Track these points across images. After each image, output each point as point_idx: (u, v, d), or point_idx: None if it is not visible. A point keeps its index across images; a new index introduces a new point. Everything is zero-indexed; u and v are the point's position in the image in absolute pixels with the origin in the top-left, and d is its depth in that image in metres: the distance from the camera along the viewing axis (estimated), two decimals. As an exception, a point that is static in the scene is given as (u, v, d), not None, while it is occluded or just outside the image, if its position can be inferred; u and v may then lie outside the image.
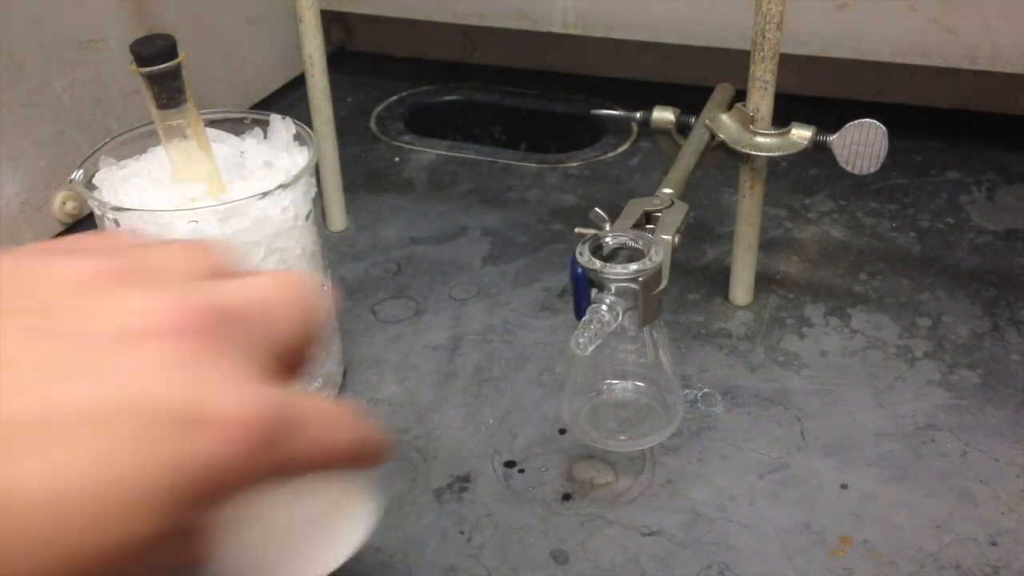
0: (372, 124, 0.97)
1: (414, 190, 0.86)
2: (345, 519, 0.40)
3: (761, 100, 0.61)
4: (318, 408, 0.28)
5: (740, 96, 0.64)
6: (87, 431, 0.23)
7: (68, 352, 0.24)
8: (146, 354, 0.24)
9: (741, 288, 0.69)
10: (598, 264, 0.49)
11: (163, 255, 0.29)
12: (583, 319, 0.48)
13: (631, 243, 0.51)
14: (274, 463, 0.26)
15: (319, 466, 0.28)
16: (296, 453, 0.26)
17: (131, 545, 0.24)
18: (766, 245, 0.74)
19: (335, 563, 0.39)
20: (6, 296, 0.25)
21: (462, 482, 0.56)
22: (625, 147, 0.92)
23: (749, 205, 0.66)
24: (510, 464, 0.57)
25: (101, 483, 0.23)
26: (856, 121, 0.59)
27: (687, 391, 0.62)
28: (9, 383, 0.23)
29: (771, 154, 0.62)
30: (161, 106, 0.60)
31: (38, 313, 0.25)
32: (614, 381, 0.58)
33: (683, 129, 0.66)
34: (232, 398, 0.25)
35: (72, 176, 0.62)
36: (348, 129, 0.94)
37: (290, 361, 0.29)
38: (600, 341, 0.48)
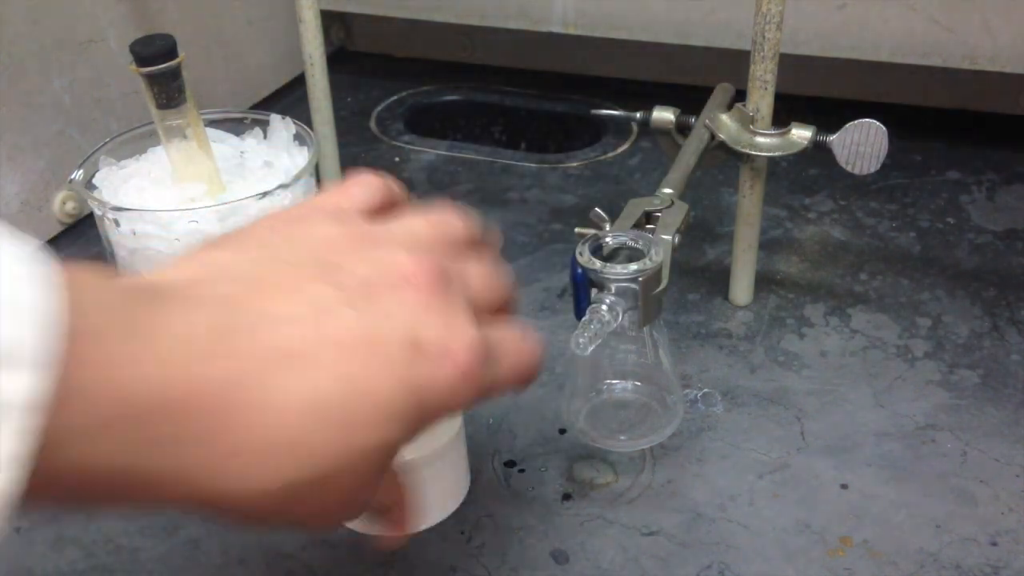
0: (372, 124, 0.97)
1: (414, 190, 0.86)
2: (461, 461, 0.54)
3: (761, 100, 0.61)
4: (510, 339, 0.35)
5: (740, 96, 0.64)
6: (349, 354, 0.29)
7: (336, 294, 0.30)
8: (400, 299, 0.31)
9: (741, 288, 0.69)
10: (598, 264, 0.49)
11: (410, 224, 0.35)
12: (583, 319, 0.48)
13: (631, 243, 0.51)
14: (481, 387, 0.32)
15: (509, 388, 0.35)
16: (496, 378, 0.33)
17: (375, 450, 0.29)
18: (766, 245, 0.74)
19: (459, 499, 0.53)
20: (286, 251, 0.32)
21: (462, 482, 0.56)
22: (625, 147, 0.92)
23: (749, 205, 0.66)
24: (510, 464, 0.57)
25: (357, 395, 0.28)
26: (856, 121, 0.59)
27: (687, 391, 0.62)
28: (288, 314, 0.29)
29: (771, 154, 0.62)
30: (161, 106, 0.60)
31: (313, 264, 0.31)
32: (614, 381, 0.58)
33: (683, 129, 0.66)
34: (461, 337, 0.31)
35: (72, 176, 0.62)
36: (348, 129, 0.94)
37: (490, 312, 0.36)
38: (600, 341, 0.48)
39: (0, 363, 0.22)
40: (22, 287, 0.23)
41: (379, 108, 1.00)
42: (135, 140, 0.66)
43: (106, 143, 0.64)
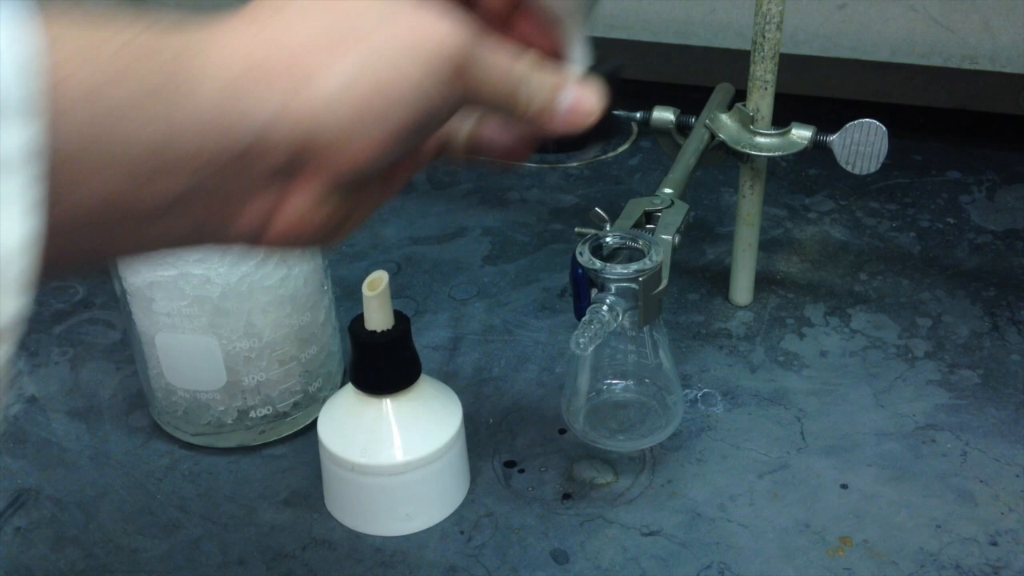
0: (372, 124, 0.97)
1: (414, 190, 0.86)
2: None
3: (761, 100, 0.61)
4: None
5: (740, 96, 0.64)
6: (379, 42, 0.29)
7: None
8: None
9: (741, 288, 0.69)
10: (598, 264, 0.49)
11: None
12: (583, 319, 0.48)
13: (631, 243, 0.51)
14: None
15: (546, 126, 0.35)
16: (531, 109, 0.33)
17: (431, 109, 0.30)
18: (766, 245, 0.74)
19: None
20: None
21: (462, 482, 0.56)
22: (625, 147, 0.92)
23: (749, 205, 0.66)
24: (510, 464, 0.57)
25: (397, 74, 0.29)
26: (856, 121, 0.59)
27: (687, 391, 0.62)
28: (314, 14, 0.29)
29: (771, 154, 0.62)
30: (161, 106, 0.60)
31: None
32: (614, 381, 0.58)
33: (683, 129, 0.66)
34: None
35: (72, 176, 0.62)
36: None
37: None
38: (600, 341, 0.48)
39: None
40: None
41: (379, 108, 1.00)
42: (135, 140, 0.65)
43: (106, 143, 0.64)
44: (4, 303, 0.23)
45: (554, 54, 0.38)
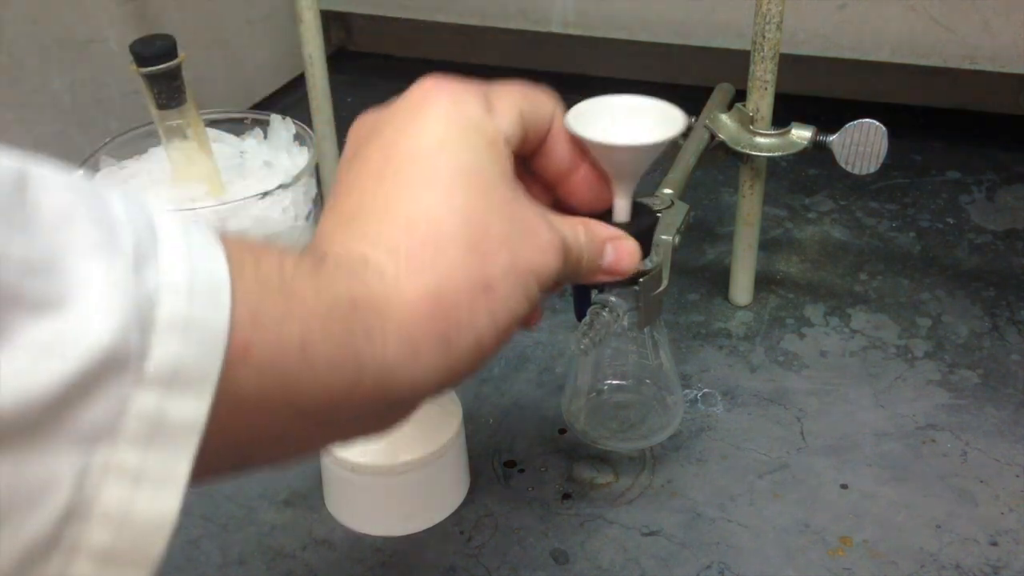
0: (372, 124, 0.97)
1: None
2: None
3: (761, 100, 0.61)
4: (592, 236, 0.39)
5: (740, 96, 0.64)
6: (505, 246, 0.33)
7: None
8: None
9: (741, 288, 0.69)
10: (598, 264, 0.49)
11: None
12: (583, 320, 0.48)
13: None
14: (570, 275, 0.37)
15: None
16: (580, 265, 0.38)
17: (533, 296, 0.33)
18: (766, 245, 0.74)
19: None
20: None
21: (462, 482, 0.56)
22: (625, 147, 0.91)
23: (749, 205, 0.66)
24: (510, 464, 0.57)
25: (514, 316, 0.33)
26: (856, 121, 0.59)
27: (687, 391, 0.62)
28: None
29: (771, 154, 0.62)
30: (161, 106, 0.60)
31: None
32: (614, 381, 0.58)
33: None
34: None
35: (72, 176, 0.62)
36: (348, 129, 0.94)
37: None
38: (601, 342, 0.48)
39: (170, 384, 0.23)
40: (199, 299, 0.24)
41: (379, 108, 1.00)
42: (135, 140, 0.66)
43: (106, 143, 0.64)
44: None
45: (596, 204, 0.42)
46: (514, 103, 0.37)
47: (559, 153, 0.39)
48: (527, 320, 0.38)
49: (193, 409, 0.23)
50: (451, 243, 0.31)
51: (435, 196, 0.32)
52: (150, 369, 0.22)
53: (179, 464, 0.23)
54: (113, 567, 0.22)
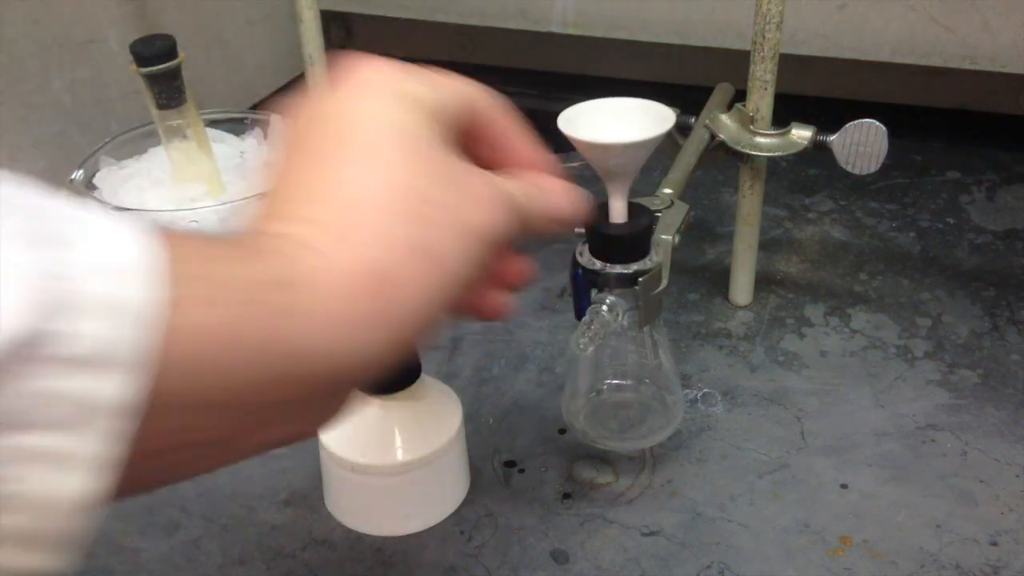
0: (372, 124, 0.97)
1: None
2: None
3: (761, 100, 0.61)
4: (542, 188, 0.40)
5: (740, 96, 0.64)
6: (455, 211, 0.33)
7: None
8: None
9: (741, 288, 0.69)
10: (598, 264, 0.49)
11: None
12: (583, 319, 0.48)
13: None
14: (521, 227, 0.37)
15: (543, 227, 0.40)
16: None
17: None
18: (766, 245, 0.74)
19: None
20: None
21: (462, 482, 0.56)
22: (625, 147, 0.91)
23: (749, 205, 0.66)
24: (510, 464, 0.57)
25: (460, 278, 0.32)
26: (856, 121, 0.59)
27: (687, 391, 0.62)
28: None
29: (771, 154, 0.62)
30: (161, 106, 0.60)
31: None
32: (614, 381, 0.58)
33: (683, 129, 0.66)
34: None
35: (72, 176, 0.62)
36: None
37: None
38: (601, 341, 0.48)
39: (93, 365, 0.23)
40: (126, 281, 0.23)
41: (379, 108, 1.00)
42: (135, 140, 0.66)
43: (106, 143, 0.64)
44: (36, 559, 0.23)
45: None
46: (446, 80, 0.37)
47: (497, 140, 0.41)
48: (489, 307, 0.40)
49: (113, 389, 0.23)
50: (386, 213, 0.30)
51: (370, 169, 0.31)
52: (65, 351, 0.22)
53: (97, 445, 0.23)
54: (28, 551, 0.23)
